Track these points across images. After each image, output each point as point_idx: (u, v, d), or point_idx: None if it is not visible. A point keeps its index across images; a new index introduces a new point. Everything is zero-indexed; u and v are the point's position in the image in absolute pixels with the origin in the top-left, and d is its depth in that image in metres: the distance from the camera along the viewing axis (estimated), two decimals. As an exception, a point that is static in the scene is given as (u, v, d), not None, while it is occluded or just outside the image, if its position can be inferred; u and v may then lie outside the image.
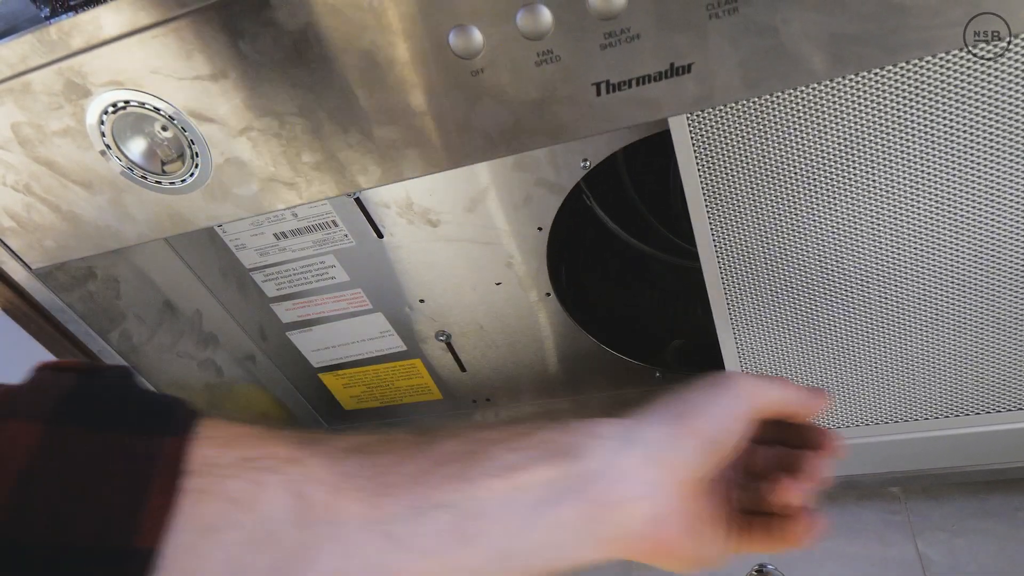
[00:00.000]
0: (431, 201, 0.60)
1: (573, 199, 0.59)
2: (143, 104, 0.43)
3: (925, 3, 0.34)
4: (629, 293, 0.72)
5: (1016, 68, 0.36)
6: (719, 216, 0.45)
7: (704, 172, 0.44)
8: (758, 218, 0.45)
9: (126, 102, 0.44)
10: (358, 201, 0.61)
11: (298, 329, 0.74)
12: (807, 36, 0.36)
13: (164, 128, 0.45)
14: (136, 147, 0.46)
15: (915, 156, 0.40)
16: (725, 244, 0.46)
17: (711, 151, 0.42)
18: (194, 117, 0.44)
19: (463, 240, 0.63)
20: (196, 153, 0.45)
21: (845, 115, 0.39)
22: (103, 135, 0.45)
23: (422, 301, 0.69)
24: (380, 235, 0.63)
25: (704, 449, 0.31)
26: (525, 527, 0.28)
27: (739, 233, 0.46)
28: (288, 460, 0.26)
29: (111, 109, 0.44)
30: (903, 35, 0.35)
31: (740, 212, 0.45)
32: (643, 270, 0.70)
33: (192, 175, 0.46)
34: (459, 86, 0.40)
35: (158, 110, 0.43)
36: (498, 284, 0.66)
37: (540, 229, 0.61)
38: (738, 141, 0.42)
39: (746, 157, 0.42)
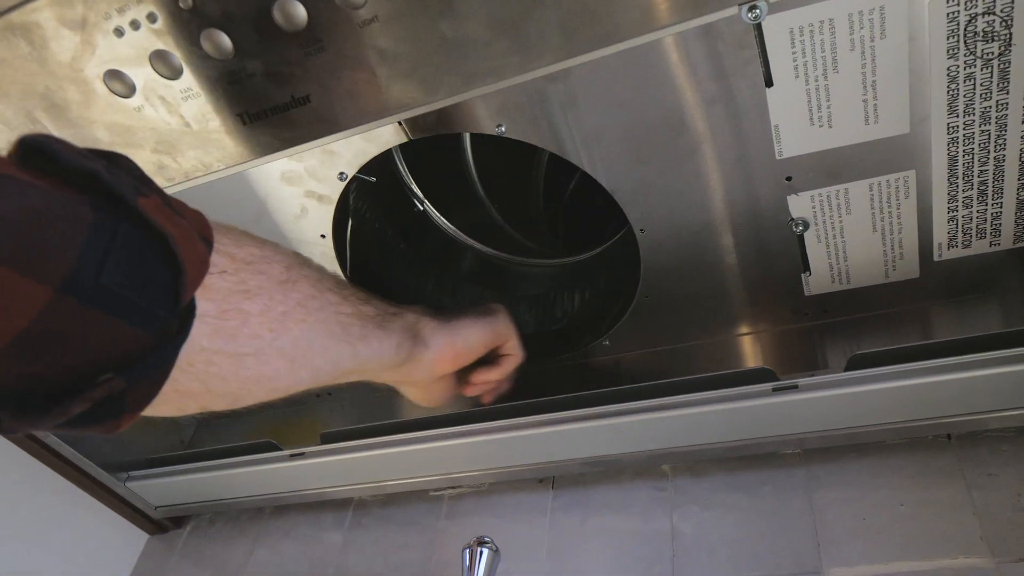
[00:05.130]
0: (220, 215, 0.66)
1: (354, 207, 0.64)
2: None
3: (476, 38, 0.38)
4: (430, 287, 0.77)
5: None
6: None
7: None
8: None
9: None
10: (157, 216, 0.67)
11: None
12: (394, 69, 0.40)
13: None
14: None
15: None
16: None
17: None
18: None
19: (259, 248, 0.68)
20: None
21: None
22: None
23: (242, 304, 0.74)
24: (186, 245, 0.69)
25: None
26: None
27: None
28: None
29: None
30: (471, 64, 0.40)
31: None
32: (446, 265, 0.75)
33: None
34: (126, 120, 0.45)
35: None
36: (303, 286, 0.71)
37: (323, 236, 0.66)
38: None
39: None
